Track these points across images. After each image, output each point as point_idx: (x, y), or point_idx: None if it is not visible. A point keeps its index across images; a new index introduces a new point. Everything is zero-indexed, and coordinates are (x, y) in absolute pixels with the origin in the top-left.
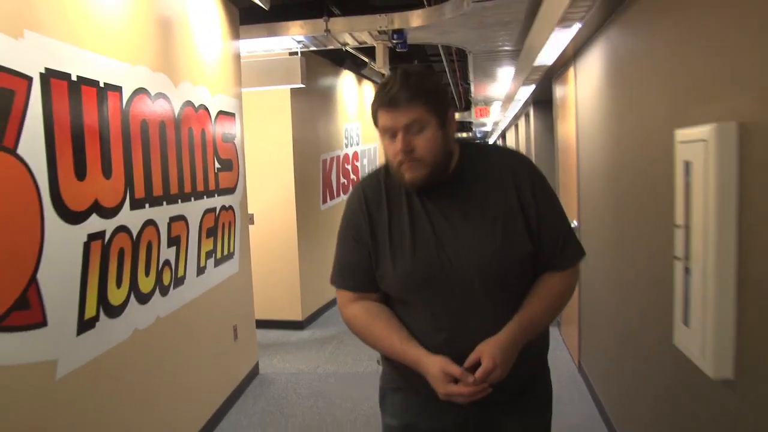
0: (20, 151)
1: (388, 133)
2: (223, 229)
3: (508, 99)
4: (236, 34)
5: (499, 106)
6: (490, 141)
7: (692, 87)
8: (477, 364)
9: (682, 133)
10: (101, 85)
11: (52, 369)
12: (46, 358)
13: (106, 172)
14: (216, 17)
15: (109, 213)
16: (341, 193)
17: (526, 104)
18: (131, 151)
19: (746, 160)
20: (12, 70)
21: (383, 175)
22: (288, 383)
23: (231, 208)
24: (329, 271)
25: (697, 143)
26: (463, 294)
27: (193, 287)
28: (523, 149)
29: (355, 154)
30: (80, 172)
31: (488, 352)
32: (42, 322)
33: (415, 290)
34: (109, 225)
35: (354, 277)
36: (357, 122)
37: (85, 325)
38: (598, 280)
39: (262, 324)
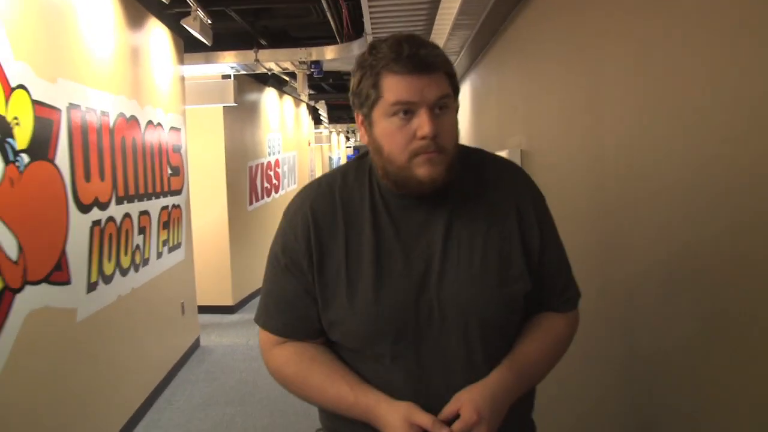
0: (56, 161)
1: (400, 109)
2: (173, 223)
3: None
4: (181, 61)
5: None
6: None
7: (504, 125)
8: (455, 417)
9: (501, 153)
10: (98, 112)
11: (73, 314)
12: (71, 306)
13: (101, 175)
14: (167, 48)
15: (103, 206)
16: (265, 196)
17: None
18: (116, 160)
19: (525, 167)
20: (51, 105)
21: (338, 184)
22: (225, 352)
23: (179, 206)
24: (256, 263)
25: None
26: (446, 345)
27: (154, 267)
28: None
29: (277, 161)
30: (86, 176)
31: (471, 401)
32: (68, 281)
33: (381, 340)
34: (103, 215)
35: (283, 317)
36: (279, 133)
37: (91, 286)
38: None
39: (199, 309)
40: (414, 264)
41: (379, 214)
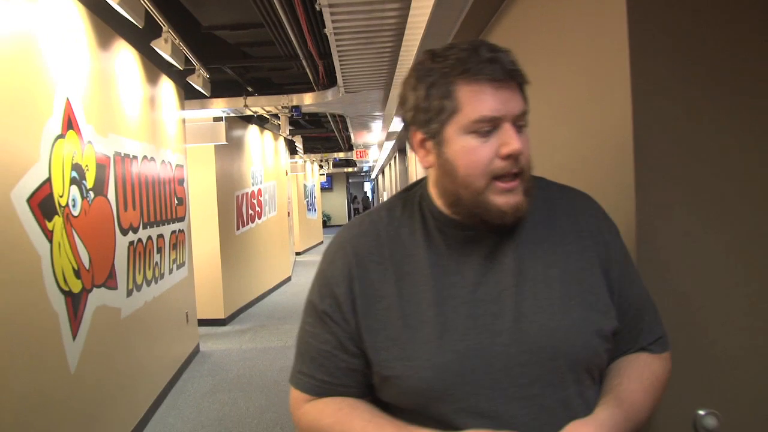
0: (108, 196)
1: (481, 125)
2: (180, 245)
3: (380, 146)
4: (182, 107)
5: (376, 150)
6: (372, 175)
7: None
8: None
9: None
10: (131, 156)
11: (118, 313)
12: (118, 306)
13: (134, 206)
14: (173, 98)
15: (135, 230)
16: (250, 222)
17: (393, 150)
18: (142, 193)
19: None
20: (105, 154)
21: (384, 219)
22: (222, 355)
23: (183, 231)
24: (244, 280)
25: None
26: (533, 394)
27: (167, 281)
28: (396, 183)
29: (260, 190)
30: (125, 207)
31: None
32: (116, 287)
33: (447, 396)
34: (135, 237)
35: (319, 372)
36: (260, 165)
37: (129, 292)
38: None
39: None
40: (483, 304)
41: (437, 249)
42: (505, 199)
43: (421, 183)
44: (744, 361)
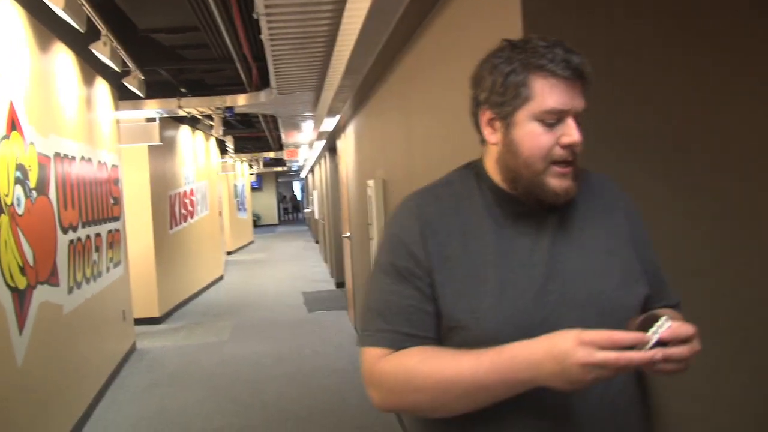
0: (49, 195)
1: (550, 116)
2: (116, 244)
3: (310, 145)
4: (116, 108)
5: (306, 149)
6: (302, 174)
7: (370, 161)
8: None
9: (369, 182)
10: (69, 156)
11: (61, 309)
12: (60, 302)
13: (73, 205)
14: (108, 100)
15: (75, 229)
16: (182, 221)
17: (323, 149)
18: (80, 193)
19: (386, 194)
20: (46, 154)
21: (445, 191)
22: (159, 351)
23: (118, 230)
24: (178, 279)
25: (372, 186)
26: None
27: (104, 279)
28: (326, 182)
29: (192, 190)
30: (66, 206)
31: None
32: (58, 284)
33: (505, 344)
34: (75, 236)
35: (398, 326)
36: (192, 165)
37: (70, 289)
38: (362, 267)
39: None
40: (537, 268)
41: (496, 218)
42: (559, 182)
43: (476, 162)
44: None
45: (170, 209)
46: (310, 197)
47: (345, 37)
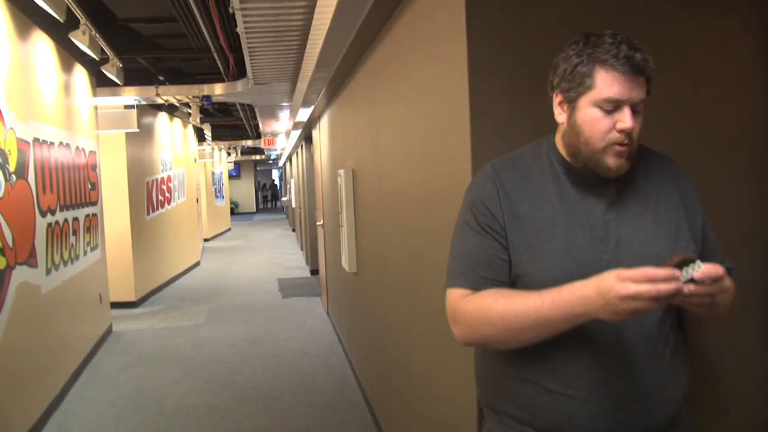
0: (28, 179)
1: (608, 104)
2: (93, 228)
3: (287, 134)
4: (95, 95)
5: (283, 138)
6: (280, 163)
7: (342, 151)
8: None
9: (339, 171)
10: (48, 142)
11: (39, 290)
12: (38, 283)
13: (51, 189)
14: (86, 86)
15: (53, 212)
16: (159, 207)
17: (300, 139)
18: (59, 177)
19: (355, 183)
20: (25, 140)
21: (518, 161)
22: (135, 334)
23: (96, 215)
24: (154, 265)
25: (342, 176)
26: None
27: (82, 263)
28: (302, 171)
29: (169, 177)
30: (44, 190)
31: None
32: (37, 265)
33: None
34: (53, 219)
35: (481, 271)
36: (170, 152)
37: (48, 271)
38: (333, 253)
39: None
40: (594, 230)
41: (561, 185)
42: (614, 160)
43: (547, 138)
44: None
45: (147, 195)
46: (288, 186)
47: (316, 31)
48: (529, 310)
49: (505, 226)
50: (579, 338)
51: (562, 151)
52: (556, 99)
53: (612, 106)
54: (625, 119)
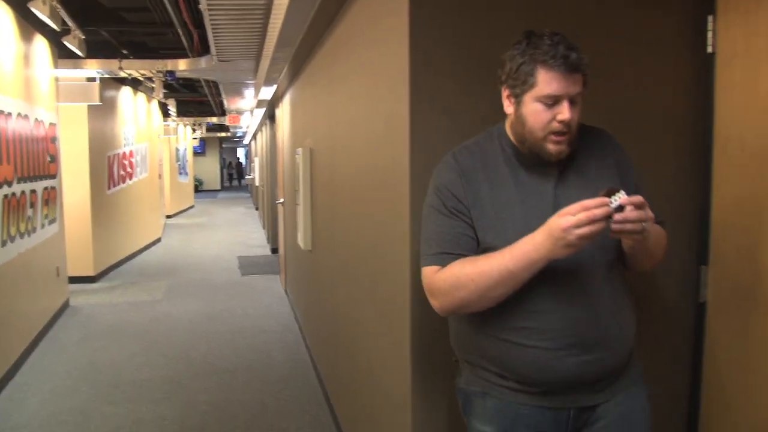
0: None
1: (548, 99)
2: (51, 201)
3: (251, 112)
4: (56, 66)
5: (248, 115)
6: (245, 141)
7: (301, 131)
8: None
9: (298, 150)
10: (5, 112)
11: None
12: None
13: (8, 161)
14: (47, 57)
15: (9, 184)
16: (121, 182)
17: (264, 117)
18: (16, 149)
19: (312, 162)
20: None
21: (474, 148)
22: (92, 308)
23: (54, 188)
24: (114, 240)
25: (301, 154)
26: (581, 269)
27: (39, 236)
28: (266, 149)
29: (131, 152)
30: (0, 161)
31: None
32: None
33: None
34: (9, 191)
35: (450, 248)
36: (132, 126)
37: (3, 243)
38: (291, 231)
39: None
40: (545, 202)
41: (514, 168)
42: (554, 147)
43: (498, 126)
44: None
45: (108, 169)
46: (252, 164)
47: (277, 10)
48: (493, 267)
49: (469, 207)
50: (548, 294)
51: (512, 138)
52: (504, 93)
53: (552, 101)
54: (564, 112)
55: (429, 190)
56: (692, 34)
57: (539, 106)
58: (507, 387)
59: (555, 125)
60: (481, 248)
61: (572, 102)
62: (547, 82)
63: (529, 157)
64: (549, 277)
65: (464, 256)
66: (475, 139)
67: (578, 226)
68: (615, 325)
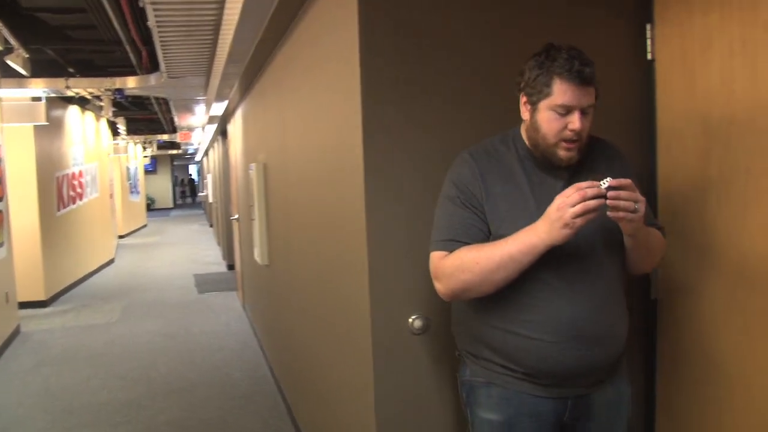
0: None
1: (561, 109)
2: None
3: (203, 128)
4: None
5: (199, 132)
6: (197, 157)
7: (254, 146)
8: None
9: (251, 165)
10: None
11: None
12: None
13: None
14: None
15: None
16: (71, 203)
17: (216, 133)
18: None
19: (267, 176)
20: None
21: (489, 147)
22: (44, 333)
23: (1, 211)
24: (65, 262)
25: (254, 169)
26: (585, 265)
27: None
28: (219, 165)
29: (81, 172)
30: None
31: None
32: None
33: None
34: None
35: (461, 237)
36: (81, 146)
37: None
38: (248, 247)
39: None
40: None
41: (527, 169)
42: (565, 153)
43: (513, 130)
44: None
45: (57, 191)
46: (205, 181)
47: (227, 26)
48: (496, 252)
49: (483, 202)
50: (551, 289)
51: (526, 141)
52: (522, 99)
53: (565, 110)
54: (575, 121)
55: (444, 183)
56: (634, 42)
57: (553, 115)
58: (512, 376)
59: (567, 133)
60: (492, 239)
61: (584, 113)
62: (561, 92)
63: (541, 161)
64: (552, 272)
65: (469, 244)
66: (490, 139)
67: (572, 205)
68: (613, 321)
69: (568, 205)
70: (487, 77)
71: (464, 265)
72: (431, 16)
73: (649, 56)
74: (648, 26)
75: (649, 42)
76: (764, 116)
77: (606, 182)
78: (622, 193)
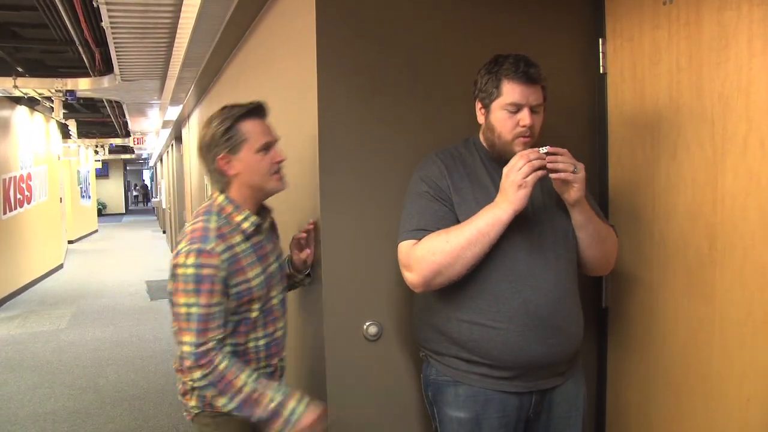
0: None
1: (511, 107)
2: None
3: (157, 133)
4: None
5: (153, 136)
6: (151, 163)
7: None
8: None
9: None
10: None
11: None
12: None
13: None
14: None
15: None
16: (18, 206)
17: (170, 138)
18: None
19: None
20: None
21: (453, 151)
22: None
23: None
24: (11, 267)
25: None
26: (540, 258)
27: None
28: (173, 171)
29: (29, 174)
30: None
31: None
32: None
33: (502, 240)
34: None
35: (433, 225)
36: (30, 148)
37: None
38: None
39: None
40: None
41: (488, 168)
42: (520, 147)
43: (473, 137)
44: (396, 288)
45: (4, 193)
46: (159, 186)
47: (183, 29)
48: (465, 229)
49: (450, 195)
50: (507, 282)
51: (484, 144)
52: (477, 106)
53: (515, 109)
54: (525, 117)
55: (411, 182)
56: (587, 56)
57: (505, 114)
58: (477, 373)
59: (519, 129)
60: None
61: (533, 111)
62: (510, 91)
63: (500, 160)
64: (509, 264)
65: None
66: (453, 145)
67: (519, 168)
68: (573, 314)
69: (515, 170)
70: (436, 78)
71: (435, 247)
72: (388, 15)
73: (601, 70)
74: (600, 41)
75: (601, 56)
76: (709, 129)
77: (545, 149)
78: (560, 157)
